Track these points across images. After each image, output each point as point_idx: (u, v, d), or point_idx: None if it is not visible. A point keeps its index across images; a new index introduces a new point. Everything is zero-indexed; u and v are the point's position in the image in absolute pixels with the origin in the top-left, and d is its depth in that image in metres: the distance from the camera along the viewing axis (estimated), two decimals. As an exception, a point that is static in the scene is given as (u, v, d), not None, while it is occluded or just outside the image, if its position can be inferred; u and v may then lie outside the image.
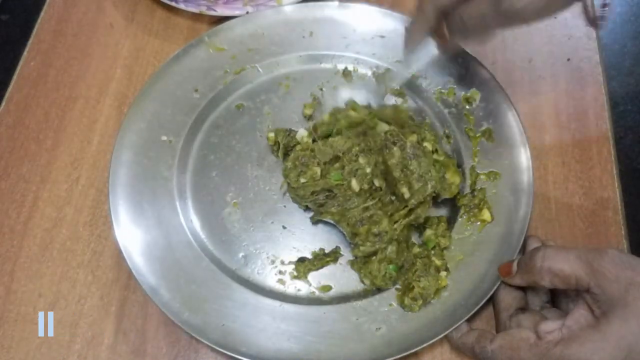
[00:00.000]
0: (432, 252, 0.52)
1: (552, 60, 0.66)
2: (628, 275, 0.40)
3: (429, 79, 0.62)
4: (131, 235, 0.53)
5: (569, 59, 0.66)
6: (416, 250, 0.53)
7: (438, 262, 0.52)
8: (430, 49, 0.55)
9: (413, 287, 0.50)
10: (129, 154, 0.57)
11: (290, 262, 0.54)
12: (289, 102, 0.62)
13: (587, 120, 0.62)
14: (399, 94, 0.62)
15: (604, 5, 0.44)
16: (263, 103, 0.62)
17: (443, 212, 0.56)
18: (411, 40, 0.54)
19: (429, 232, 0.53)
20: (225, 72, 0.63)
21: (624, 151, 0.61)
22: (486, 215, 0.54)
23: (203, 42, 0.63)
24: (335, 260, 0.54)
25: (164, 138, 0.58)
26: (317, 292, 0.52)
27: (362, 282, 0.52)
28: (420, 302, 0.50)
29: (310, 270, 0.53)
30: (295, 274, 0.53)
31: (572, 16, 0.67)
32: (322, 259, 0.53)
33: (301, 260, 0.54)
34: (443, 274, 0.51)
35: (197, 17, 0.68)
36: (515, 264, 0.47)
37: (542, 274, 0.44)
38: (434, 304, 0.50)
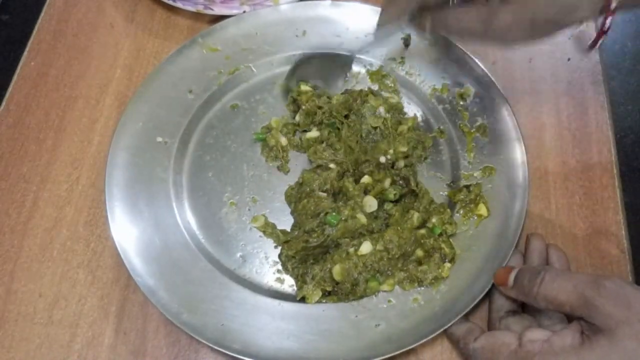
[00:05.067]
0: (441, 239, 0.52)
1: (552, 61, 0.66)
2: (622, 313, 0.39)
3: (422, 76, 0.62)
4: (128, 236, 0.53)
5: (569, 59, 0.66)
6: (421, 232, 0.53)
7: (447, 250, 0.52)
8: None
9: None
10: (124, 156, 0.57)
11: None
12: (283, 101, 0.62)
13: (587, 120, 0.62)
14: (393, 91, 0.62)
15: (604, 31, 0.43)
16: (258, 103, 0.62)
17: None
18: (384, 18, 0.54)
19: (435, 219, 0.53)
20: (220, 73, 0.62)
21: (624, 151, 0.61)
22: (482, 210, 0.54)
23: (196, 43, 0.63)
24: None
25: (159, 139, 0.58)
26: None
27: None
28: (414, 284, 0.50)
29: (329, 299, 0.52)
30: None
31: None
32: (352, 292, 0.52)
33: (327, 294, 0.52)
34: (447, 265, 0.51)
35: (197, 16, 0.68)
36: (512, 276, 0.46)
37: (537, 299, 0.44)
38: (432, 299, 0.50)
